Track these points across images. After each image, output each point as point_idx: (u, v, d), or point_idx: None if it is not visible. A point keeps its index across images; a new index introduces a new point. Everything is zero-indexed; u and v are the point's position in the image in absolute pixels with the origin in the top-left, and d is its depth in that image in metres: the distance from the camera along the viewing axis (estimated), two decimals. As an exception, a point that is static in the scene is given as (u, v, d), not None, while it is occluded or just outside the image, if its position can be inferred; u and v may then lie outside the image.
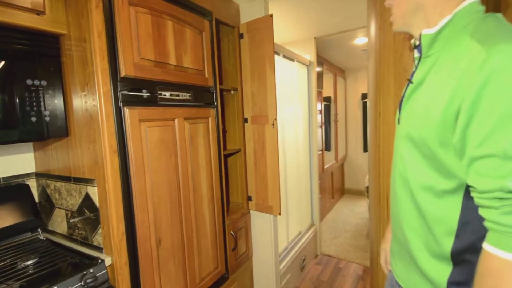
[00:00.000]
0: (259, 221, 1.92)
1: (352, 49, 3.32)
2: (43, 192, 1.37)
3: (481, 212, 0.53)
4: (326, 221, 3.73)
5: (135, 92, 1.13)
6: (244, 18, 1.81)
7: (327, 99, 4.15)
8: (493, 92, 0.47)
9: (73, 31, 1.09)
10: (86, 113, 1.09)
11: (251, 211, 1.93)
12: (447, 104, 0.53)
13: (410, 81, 0.69)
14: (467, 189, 0.57)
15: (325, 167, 3.67)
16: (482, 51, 0.49)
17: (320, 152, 3.44)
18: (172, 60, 1.29)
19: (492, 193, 0.49)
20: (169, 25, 1.26)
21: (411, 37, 0.72)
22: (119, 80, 1.07)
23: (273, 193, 1.76)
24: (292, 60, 2.36)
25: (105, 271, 1.06)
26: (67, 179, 1.23)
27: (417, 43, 0.67)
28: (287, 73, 2.29)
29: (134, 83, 1.13)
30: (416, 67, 0.68)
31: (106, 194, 1.06)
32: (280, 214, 1.76)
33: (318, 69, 3.18)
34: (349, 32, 2.59)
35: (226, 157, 1.94)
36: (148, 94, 1.19)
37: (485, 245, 0.52)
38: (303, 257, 2.48)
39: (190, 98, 1.42)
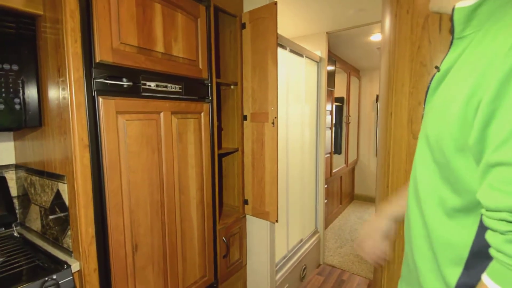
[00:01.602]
0: (255, 227, 1.78)
1: (367, 46, 3.12)
2: (21, 186, 1.28)
3: (487, 236, 0.42)
4: (332, 228, 3.55)
5: (113, 80, 1.01)
6: (248, 7, 1.67)
7: (340, 100, 3.96)
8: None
9: (48, 12, 0.98)
10: (58, 102, 0.98)
11: (247, 216, 1.80)
12: (469, 97, 0.42)
13: (437, 68, 0.56)
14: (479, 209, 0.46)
15: (334, 171, 3.49)
16: None
17: (328, 155, 3.26)
18: (160, 47, 1.17)
19: (500, 212, 0.39)
20: (157, 8, 1.14)
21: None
22: (93, 66, 0.96)
23: (271, 198, 1.62)
24: (301, 55, 2.20)
25: (71, 277, 0.95)
26: (40, 173, 1.13)
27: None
28: (294, 69, 2.13)
29: (112, 71, 1.01)
30: (447, 53, 0.56)
31: (75, 194, 0.95)
32: (277, 221, 1.62)
33: (330, 67, 3.00)
34: (364, 27, 2.41)
35: (222, 156, 1.81)
36: (129, 84, 1.07)
37: (484, 277, 0.42)
38: (304, 266, 2.32)
39: (180, 90, 1.29)
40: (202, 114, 1.41)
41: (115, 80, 1.02)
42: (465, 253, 0.48)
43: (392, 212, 0.77)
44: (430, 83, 0.59)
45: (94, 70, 0.96)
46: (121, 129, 1.04)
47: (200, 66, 1.38)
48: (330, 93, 3.17)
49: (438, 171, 0.51)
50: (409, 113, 1.06)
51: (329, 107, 3.13)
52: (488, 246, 0.43)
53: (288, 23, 2.33)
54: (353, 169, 4.63)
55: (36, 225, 1.20)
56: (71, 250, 1.01)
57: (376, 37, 2.74)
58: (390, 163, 1.14)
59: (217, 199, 1.52)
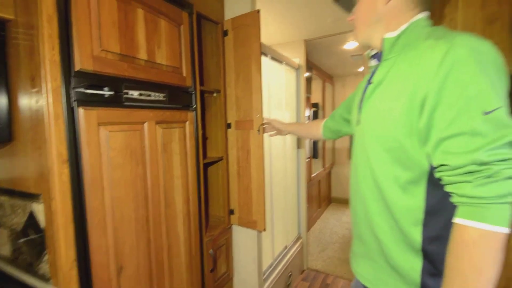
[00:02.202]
0: (241, 237, 1.74)
1: (341, 54, 3.22)
2: (-15, 207, 1.15)
3: (453, 189, 0.55)
4: (312, 231, 3.58)
5: (93, 89, 0.95)
6: (229, 14, 1.66)
7: (315, 105, 4.04)
8: (458, 78, 0.52)
9: (21, 16, 0.90)
10: (32, 113, 0.89)
11: (233, 226, 1.76)
12: (411, 95, 0.58)
13: (370, 82, 0.73)
14: (429, 178, 0.61)
15: (313, 175, 3.54)
16: (443, 44, 0.55)
17: (308, 159, 3.31)
18: (143, 55, 1.11)
19: (465, 167, 0.51)
20: (139, 13, 1.09)
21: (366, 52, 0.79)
22: (72, 74, 0.89)
23: (258, 207, 1.59)
24: (281, 62, 2.22)
25: (49, 308, 0.86)
26: (10, 193, 1.02)
27: (372, 53, 0.76)
28: (275, 76, 2.14)
29: (93, 79, 0.95)
30: (374, 72, 0.73)
31: (52, 214, 0.86)
32: (264, 229, 1.60)
33: (307, 74, 3.06)
34: (340, 35, 2.49)
35: (207, 166, 1.76)
36: (111, 93, 1.00)
37: (458, 220, 0.53)
38: (290, 273, 2.31)
39: (164, 99, 1.24)
40: (187, 123, 1.36)
41: (96, 89, 0.96)
42: (421, 214, 0.63)
43: (287, 126, 1.45)
44: (363, 95, 0.74)
45: (73, 79, 0.89)
46: (104, 141, 0.97)
47: (184, 74, 1.34)
48: (307, 99, 3.23)
49: (389, 157, 0.65)
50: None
51: (307, 112, 3.18)
52: (436, 206, 0.61)
53: (267, 30, 2.34)
54: (329, 173, 4.73)
55: (6, 250, 1.08)
56: (48, 276, 0.92)
57: (350, 45, 2.84)
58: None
59: (203, 211, 1.47)
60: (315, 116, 4.01)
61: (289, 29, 2.33)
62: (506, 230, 0.49)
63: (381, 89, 0.68)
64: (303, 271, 2.66)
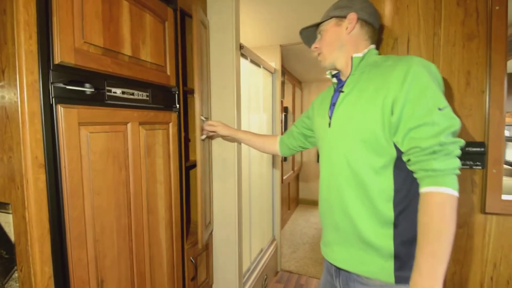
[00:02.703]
0: (221, 243, 1.69)
1: (312, 61, 3.32)
2: None
3: (420, 166, 0.70)
4: (283, 233, 3.62)
5: (74, 86, 0.85)
6: (211, 14, 1.61)
7: (285, 110, 4.11)
8: (419, 85, 0.71)
9: (-15, -3, 0.78)
10: (1, 111, 0.78)
11: (213, 232, 1.70)
12: (384, 99, 0.75)
13: (341, 91, 0.88)
14: (395, 163, 0.77)
15: (284, 177, 3.58)
16: (404, 64, 0.74)
17: (280, 162, 3.34)
18: (127, 50, 1.03)
19: (431, 148, 0.67)
20: (124, 6, 1.01)
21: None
22: (51, 68, 0.79)
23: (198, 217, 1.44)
24: (259, 66, 2.22)
25: (18, 334, 0.75)
26: (-36, 202, 0.87)
27: (334, 73, 0.95)
28: (253, 79, 2.13)
29: (74, 74, 0.85)
30: (342, 84, 0.90)
31: (26, 225, 0.75)
32: (201, 246, 1.42)
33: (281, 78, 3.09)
34: (314, 42, 2.55)
35: (189, 169, 1.69)
36: (92, 90, 0.91)
37: (426, 189, 0.69)
38: (265, 276, 2.30)
39: (148, 98, 1.16)
40: (170, 124, 1.29)
41: (77, 85, 0.86)
42: (391, 192, 0.77)
43: (235, 132, 1.40)
44: (336, 101, 0.89)
45: (52, 73, 0.79)
46: (84, 144, 0.88)
47: (168, 73, 1.27)
48: (280, 103, 3.26)
49: (365, 148, 0.79)
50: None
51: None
52: (401, 184, 0.76)
53: (246, 32, 2.33)
54: (298, 175, 4.84)
55: (-46, 269, 0.92)
56: (17, 298, 0.80)
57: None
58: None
59: (185, 217, 1.40)
60: (285, 120, 4.08)
61: (266, 33, 2.34)
62: (456, 193, 0.67)
63: (352, 96, 0.84)
64: (277, 272, 2.68)
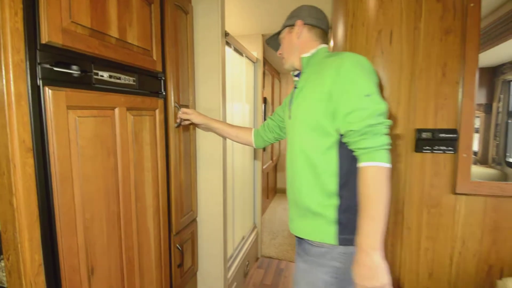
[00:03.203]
0: (207, 230, 1.71)
1: (292, 51, 3.35)
2: None
3: (356, 145, 0.81)
4: (263, 221, 3.69)
5: (61, 67, 0.81)
6: (196, 0, 1.58)
7: (265, 100, 4.14)
8: (350, 76, 0.82)
9: (-44, -33, 0.71)
10: (-21, 91, 0.73)
11: (197, 219, 1.71)
12: (323, 91, 0.87)
13: (295, 88, 1.03)
14: (339, 144, 0.88)
15: (264, 167, 3.63)
16: (338, 59, 0.86)
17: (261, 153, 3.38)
18: (114, 32, 1.00)
19: (362, 130, 0.79)
20: (111, -15, 0.97)
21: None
22: (38, 48, 0.75)
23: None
24: (242, 54, 2.21)
25: (8, 324, 0.72)
26: None
27: (295, 73, 1.06)
28: (237, 68, 2.13)
29: (61, 55, 0.81)
30: (298, 82, 1.03)
31: (14, 211, 0.72)
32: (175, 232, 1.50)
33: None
34: (296, 33, 2.58)
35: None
36: (79, 73, 0.87)
37: (361, 164, 0.80)
38: (247, 262, 2.35)
39: (134, 83, 1.13)
40: (157, 111, 1.27)
41: (64, 67, 0.82)
42: (336, 169, 0.89)
43: (209, 121, 1.40)
44: (292, 97, 1.04)
45: (39, 53, 0.75)
46: (73, 128, 0.85)
47: (155, 57, 1.24)
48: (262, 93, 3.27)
49: (313, 134, 0.91)
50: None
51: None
52: (343, 162, 0.88)
53: (229, 21, 2.30)
54: (276, 165, 4.92)
55: None
56: (4, 286, 0.77)
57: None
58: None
59: (174, 204, 1.40)
60: (265, 111, 4.11)
61: (250, 21, 2.33)
62: (387, 165, 0.78)
63: (303, 91, 0.97)
64: (257, 258, 2.74)
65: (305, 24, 1.01)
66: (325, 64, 0.90)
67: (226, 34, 1.68)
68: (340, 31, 1.31)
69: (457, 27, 1.07)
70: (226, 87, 1.70)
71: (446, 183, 1.13)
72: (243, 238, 2.43)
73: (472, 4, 1.04)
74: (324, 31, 1.02)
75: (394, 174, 1.17)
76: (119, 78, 1.05)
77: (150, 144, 1.22)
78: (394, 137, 1.16)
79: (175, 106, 1.38)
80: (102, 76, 0.97)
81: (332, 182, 0.89)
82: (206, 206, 1.70)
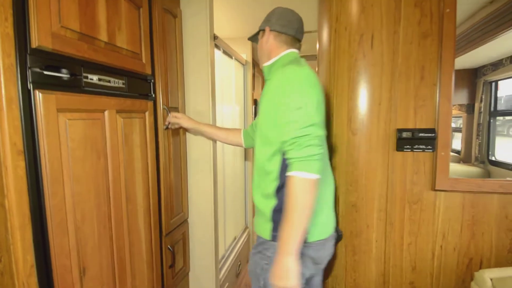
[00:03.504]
0: (198, 231, 1.73)
1: (281, 54, 3.40)
2: None
3: (287, 155, 0.87)
4: (252, 221, 3.72)
5: (51, 71, 0.83)
6: (184, 4, 1.61)
7: (255, 102, 4.17)
8: (285, 92, 0.88)
9: None
10: (-32, 95, 0.74)
11: (189, 220, 1.73)
12: (270, 102, 0.94)
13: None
14: (280, 152, 0.94)
15: (254, 168, 3.66)
16: (280, 73, 0.93)
17: (252, 154, 3.41)
18: (103, 36, 1.02)
19: (289, 141, 0.86)
20: (101, -9, 0.99)
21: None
22: (29, 52, 0.76)
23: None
24: (231, 57, 2.25)
25: (0, 325, 0.73)
26: None
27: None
28: (226, 70, 2.16)
29: (50, 59, 0.83)
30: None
31: (6, 213, 0.73)
32: (165, 233, 1.61)
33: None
34: (284, 36, 2.63)
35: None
36: (69, 76, 0.89)
37: (289, 174, 0.86)
38: (239, 263, 2.38)
39: (124, 86, 1.15)
40: (147, 113, 1.29)
41: (54, 70, 0.84)
42: (277, 173, 0.96)
43: (198, 125, 1.45)
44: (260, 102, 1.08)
45: (29, 57, 0.76)
46: (63, 131, 0.86)
47: (144, 61, 1.26)
48: (252, 95, 3.31)
49: (261, 142, 1.00)
50: (348, 114, 1.25)
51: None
52: (283, 168, 0.94)
53: (218, 23, 2.33)
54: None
55: None
56: (-4, 288, 0.78)
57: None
58: (332, 156, 1.31)
59: (164, 205, 1.42)
60: (255, 113, 4.15)
61: (239, 24, 2.37)
62: (310, 175, 0.83)
63: (261, 99, 1.02)
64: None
65: (271, 30, 1.05)
66: (276, 75, 0.96)
67: (215, 37, 1.71)
68: (324, 35, 1.36)
69: (434, 32, 1.12)
70: (215, 89, 1.73)
71: (426, 180, 1.19)
72: (234, 238, 2.45)
73: (448, 10, 1.10)
74: (292, 37, 1.05)
75: (378, 173, 1.22)
76: (109, 81, 1.07)
77: (140, 146, 1.24)
78: (376, 137, 1.21)
79: (163, 109, 1.40)
80: (91, 79, 0.99)
81: (272, 185, 0.98)
82: (197, 207, 1.72)
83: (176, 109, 1.56)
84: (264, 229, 1.00)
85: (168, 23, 1.45)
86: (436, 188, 1.16)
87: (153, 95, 1.34)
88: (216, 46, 1.90)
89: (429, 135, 1.14)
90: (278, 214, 0.95)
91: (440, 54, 1.12)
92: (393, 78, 1.18)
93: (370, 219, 1.24)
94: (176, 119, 1.42)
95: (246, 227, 2.80)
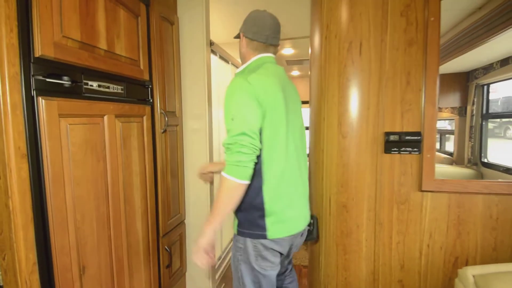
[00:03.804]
0: (195, 233, 1.77)
1: (277, 59, 3.46)
2: None
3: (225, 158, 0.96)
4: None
5: (53, 78, 0.87)
6: (181, 12, 1.66)
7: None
8: (227, 102, 0.97)
9: (-46, -14, 0.77)
10: (-25, 102, 0.78)
11: (185, 221, 1.77)
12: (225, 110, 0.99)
13: None
14: None
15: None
16: (229, 84, 1.00)
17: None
18: (103, 44, 1.06)
19: (224, 145, 0.95)
20: (100, 1, 1.04)
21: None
22: (32, 61, 0.81)
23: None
24: (227, 62, 2.30)
25: (3, 320, 0.77)
26: None
27: None
28: (222, 75, 2.21)
29: (53, 67, 0.87)
30: None
31: (10, 213, 0.78)
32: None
33: (247, 74, 3.19)
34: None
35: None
36: (70, 83, 0.94)
37: (222, 173, 0.95)
38: (235, 264, 2.41)
39: (122, 91, 1.20)
40: (145, 117, 1.33)
41: (56, 78, 0.89)
42: None
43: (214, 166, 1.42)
44: None
45: (33, 66, 0.81)
46: (64, 135, 0.91)
47: (142, 67, 1.31)
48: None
49: None
50: (338, 117, 1.30)
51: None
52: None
53: (215, 28, 2.38)
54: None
55: None
56: (1, 284, 0.81)
57: (286, 51, 3.08)
58: (323, 158, 1.36)
59: (161, 207, 1.46)
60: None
61: (234, 29, 2.42)
62: (235, 180, 0.92)
63: None
64: (246, 261, 2.79)
65: (244, 36, 1.11)
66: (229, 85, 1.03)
67: (211, 43, 1.76)
68: (316, 41, 1.41)
69: (419, 39, 1.18)
70: (212, 94, 1.77)
71: (413, 181, 1.24)
72: (231, 240, 2.49)
73: (432, 18, 1.15)
74: (262, 43, 1.09)
75: (367, 174, 1.27)
76: (108, 87, 1.11)
77: (138, 149, 1.28)
78: (365, 140, 1.26)
79: (161, 113, 1.45)
80: (91, 85, 1.03)
81: None
82: (194, 209, 1.76)
83: (173, 113, 1.61)
84: (233, 224, 1.11)
85: (165, 30, 1.50)
86: (423, 189, 1.21)
87: (151, 100, 1.39)
88: (213, 51, 1.95)
89: (415, 138, 1.19)
90: (240, 213, 1.06)
91: (425, 61, 1.18)
92: (380, 83, 1.23)
93: (360, 219, 1.29)
94: (204, 169, 1.36)
95: (243, 229, 2.83)
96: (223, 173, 0.94)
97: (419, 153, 1.21)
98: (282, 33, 2.51)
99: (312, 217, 1.26)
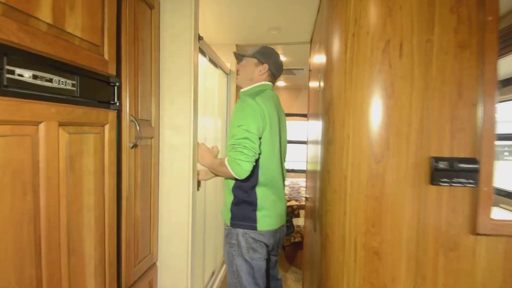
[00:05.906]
0: (168, 276, 1.36)
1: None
2: None
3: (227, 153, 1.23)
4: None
5: None
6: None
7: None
8: (234, 114, 1.23)
9: None
10: None
11: (158, 264, 1.36)
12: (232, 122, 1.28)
13: None
14: None
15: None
16: (240, 101, 1.25)
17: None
18: (45, 14, 0.69)
19: (229, 146, 1.20)
20: None
21: None
22: None
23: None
24: (216, 65, 1.97)
25: None
26: None
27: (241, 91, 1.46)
28: (210, 80, 1.87)
29: None
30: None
31: None
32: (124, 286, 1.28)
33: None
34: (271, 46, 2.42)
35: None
36: (-21, 68, 0.55)
37: (224, 160, 1.20)
38: (216, 306, 2.01)
39: (73, 88, 0.82)
40: (107, 127, 0.95)
41: None
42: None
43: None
44: None
45: None
46: (-45, 155, 0.51)
47: (106, 56, 0.94)
48: (230, 108, 3.04)
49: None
50: (369, 136, 1.01)
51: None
52: None
53: (202, 27, 2.05)
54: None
55: None
56: None
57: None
58: (346, 187, 1.05)
59: (124, 250, 1.06)
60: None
61: (223, 30, 2.11)
62: (231, 172, 1.17)
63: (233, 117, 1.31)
64: (226, 298, 2.40)
65: (269, 69, 1.34)
66: (239, 102, 1.25)
67: (200, 38, 1.43)
68: (336, 42, 1.13)
69: (473, 43, 0.93)
70: (198, 101, 1.42)
71: (464, 221, 0.97)
72: (213, 273, 2.09)
73: (490, 18, 0.92)
74: (274, 75, 1.37)
75: (406, 210, 0.98)
76: (50, 80, 0.73)
77: (95, 173, 0.89)
78: (405, 166, 0.98)
79: (131, 121, 1.07)
80: (20, 75, 0.65)
81: (232, 183, 1.28)
82: (169, 245, 1.37)
83: (147, 122, 1.23)
84: (226, 217, 1.30)
85: (142, 13, 1.15)
86: (478, 232, 0.94)
87: (118, 103, 1.01)
88: (202, 51, 1.61)
89: (472, 166, 0.92)
90: (235, 207, 1.27)
91: (481, 70, 0.93)
92: (425, 94, 0.97)
93: (397, 271, 0.99)
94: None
95: (224, 259, 2.44)
96: (226, 162, 1.18)
97: (476, 186, 0.94)
98: (274, 37, 2.25)
99: (287, 214, 1.67)
